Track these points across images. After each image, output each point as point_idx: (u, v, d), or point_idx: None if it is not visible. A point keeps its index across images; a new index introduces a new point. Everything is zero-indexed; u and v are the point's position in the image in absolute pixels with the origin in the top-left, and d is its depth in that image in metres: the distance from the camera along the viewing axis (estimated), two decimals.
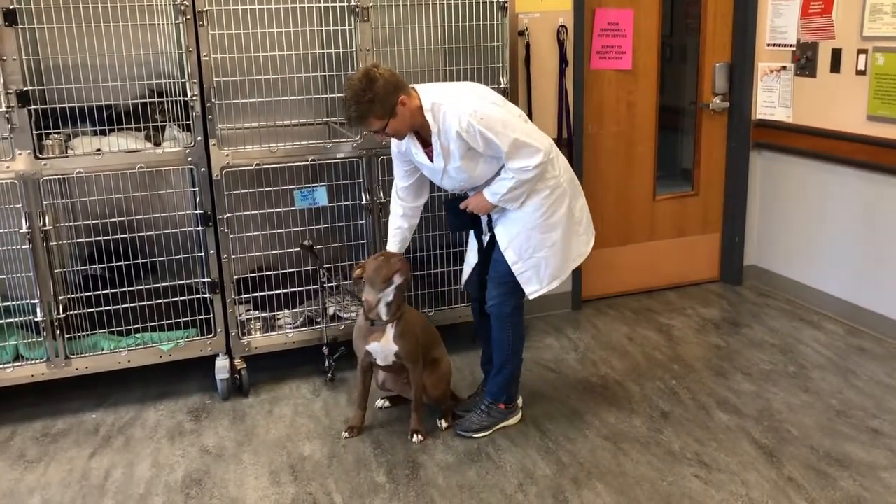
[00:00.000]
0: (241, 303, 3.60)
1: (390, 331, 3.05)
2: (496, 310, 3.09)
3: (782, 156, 4.51)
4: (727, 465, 2.93)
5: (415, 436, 3.14)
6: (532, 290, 3.03)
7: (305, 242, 3.50)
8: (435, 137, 2.86)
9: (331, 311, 3.70)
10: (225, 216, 3.41)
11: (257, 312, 3.65)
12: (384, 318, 3.04)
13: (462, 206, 3.04)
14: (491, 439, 3.15)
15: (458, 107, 2.80)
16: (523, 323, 3.19)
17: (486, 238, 3.12)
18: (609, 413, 3.33)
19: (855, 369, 3.66)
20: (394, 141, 3.01)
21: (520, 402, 3.31)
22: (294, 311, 3.68)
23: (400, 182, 3.12)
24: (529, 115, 4.08)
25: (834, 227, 4.23)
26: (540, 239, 2.97)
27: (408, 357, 3.07)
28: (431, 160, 2.93)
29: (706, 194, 4.75)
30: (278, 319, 3.67)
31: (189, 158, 3.33)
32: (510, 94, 3.72)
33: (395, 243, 3.15)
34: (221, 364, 3.53)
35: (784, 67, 4.39)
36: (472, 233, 3.20)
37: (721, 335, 4.10)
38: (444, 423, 3.24)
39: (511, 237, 2.99)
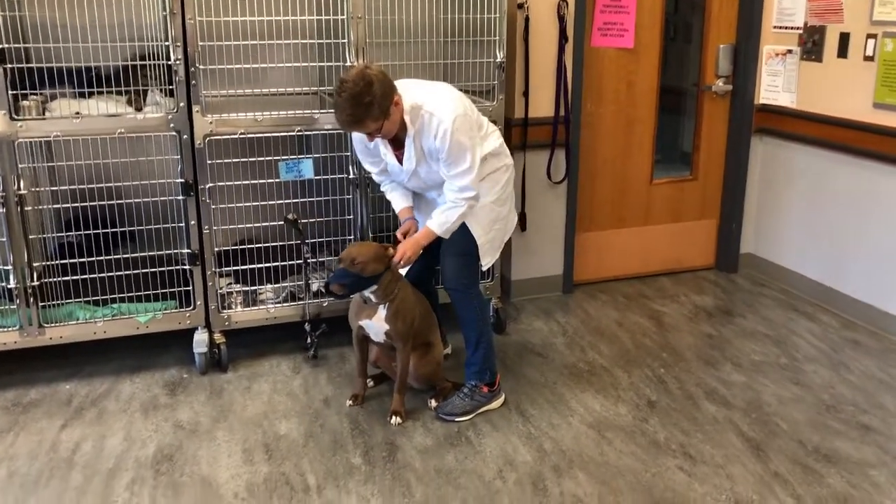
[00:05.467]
0: (221, 276, 3.51)
1: (382, 311, 2.98)
2: (458, 284, 3.07)
3: (784, 142, 4.40)
4: (712, 458, 2.86)
5: (394, 417, 3.06)
6: (487, 261, 3.13)
7: (289, 216, 3.40)
8: (409, 140, 2.86)
9: (314, 286, 3.61)
10: (207, 186, 3.31)
11: (238, 286, 3.56)
12: (374, 300, 2.96)
13: (399, 259, 2.92)
14: (472, 423, 3.07)
15: (439, 112, 2.80)
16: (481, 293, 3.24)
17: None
18: (595, 400, 3.26)
19: (848, 363, 3.58)
20: (357, 138, 2.97)
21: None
22: (276, 285, 3.59)
23: (372, 169, 3.15)
24: (526, 93, 3.97)
25: (834, 217, 4.13)
26: (497, 212, 3.10)
27: (397, 336, 3.00)
28: (400, 162, 2.95)
29: (705, 179, 4.64)
30: (260, 294, 3.59)
31: (171, 125, 3.23)
32: (507, 69, 3.61)
33: (402, 201, 3.13)
34: (200, 338, 3.45)
35: (790, 51, 4.27)
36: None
37: (713, 324, 4.01)
38: (433, 403, 3.17)
39: (475, 212, 3.01)
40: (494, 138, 3.08)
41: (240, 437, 2.98)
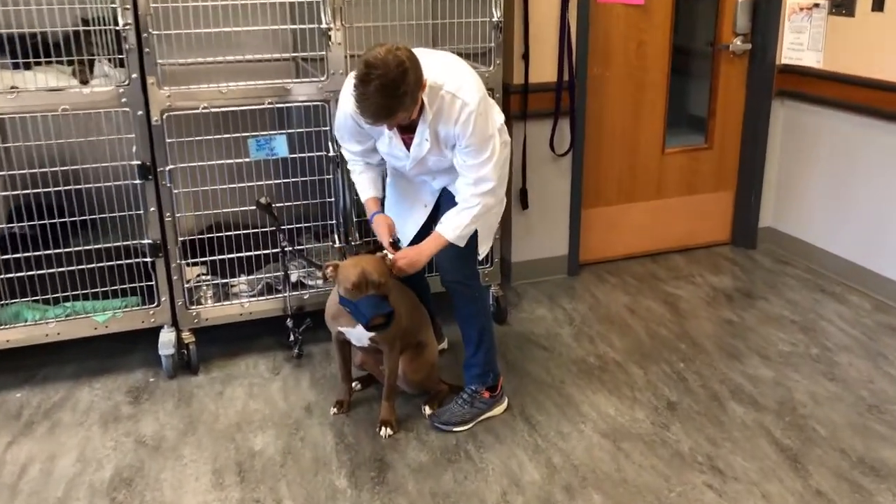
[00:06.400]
0: (190, 266, 3.14)
1: None
2: (459, 276, 2.73)
3: (809, 106, 4.01)
4: (745, 473, 2.52)
5: (384, 428, 2.72)
6: (484, 248, 2.81)
7: (262, 200, 3.02)
8: (424, 123, 2.45)
9: (294, 277, 3.25)
10: (167, 168, 2.93)
11: (208, 277, 3.19)
12: None
13: (399, 268, 2.57)
14: (472, 433, 2.73)
15: (463, 93, 2.42)
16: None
17: (428, 208, 2.80)
18: (608, 403, 2.91)
19: (886, 353, 3.24)
20: (347, 114, 2.55)
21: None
22: (251, 277, 3.22)
23: (354, 147, 2.73)
24: (526, 55, 3.57)
25: (864, 187, 3.75)
26: (497, 194, 2.71)
27: (383, 341, 2.64)
28: (408, 147, 2.54)
29: (721, 148, 4.25)
30: (233, 287, 3.22)
31: (123, 100, 2.83)
32: (504, 29, 3.20)
33: (371, 189, 2.77)
34: (166, 338, 3.09)
35: (816, 4, 3.86)
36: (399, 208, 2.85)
37: (734, 308, 3.66)
38: (427, 410, 2.82)
39: None
40: (497, 113, 2.68)
41: (209, 455, 2.64)
